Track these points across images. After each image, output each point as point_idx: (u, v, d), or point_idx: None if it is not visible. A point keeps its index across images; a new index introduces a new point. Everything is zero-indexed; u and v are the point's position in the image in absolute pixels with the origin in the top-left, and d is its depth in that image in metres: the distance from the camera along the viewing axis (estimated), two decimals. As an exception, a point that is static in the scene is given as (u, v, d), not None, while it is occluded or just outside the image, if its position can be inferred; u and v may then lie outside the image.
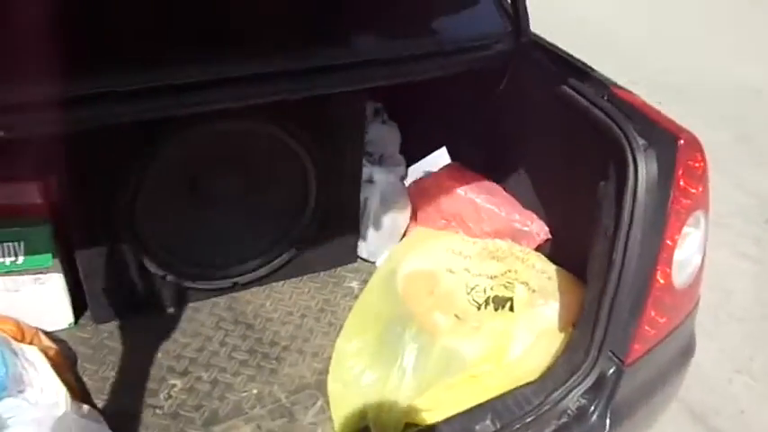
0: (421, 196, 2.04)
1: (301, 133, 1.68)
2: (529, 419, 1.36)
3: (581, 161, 1.70)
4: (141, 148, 1.54)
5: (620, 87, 1.57)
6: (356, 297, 1.91)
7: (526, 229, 1.94)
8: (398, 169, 2.05)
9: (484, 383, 1.51)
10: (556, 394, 1.40)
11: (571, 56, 1.69)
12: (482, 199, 1.96)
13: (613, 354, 1.41)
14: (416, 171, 2.13)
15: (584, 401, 1.42)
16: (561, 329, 1.66)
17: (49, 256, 1.58)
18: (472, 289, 1.77)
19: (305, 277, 1.96)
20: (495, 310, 1.69)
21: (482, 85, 1.88)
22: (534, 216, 1.95)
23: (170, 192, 1.65)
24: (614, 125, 1.45)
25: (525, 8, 1.60)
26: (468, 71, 1.70)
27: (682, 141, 1.39)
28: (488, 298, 1.72)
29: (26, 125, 1.24)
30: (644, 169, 1.36)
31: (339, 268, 2.00)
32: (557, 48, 1.72)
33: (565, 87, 1.61)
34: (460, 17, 1.76)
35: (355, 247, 2.00)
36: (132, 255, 1.67)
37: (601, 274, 1.43)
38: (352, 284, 1.96)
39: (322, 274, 1.98)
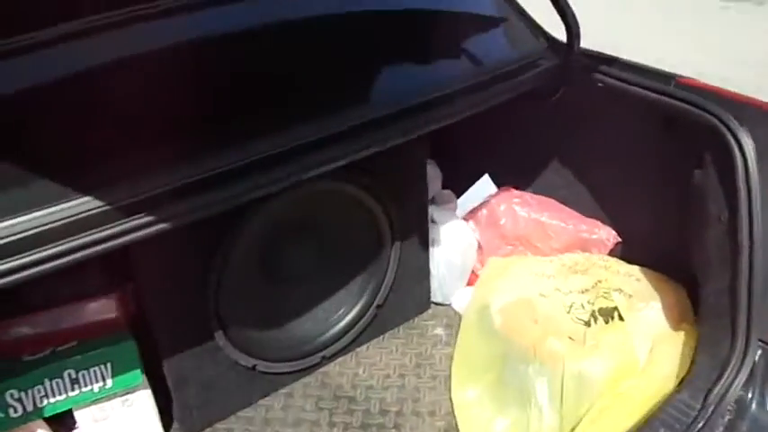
0: (480, 227, 1.98)
1: (373, 186, 1.60)
2: (701, 424, 1.29)
3: (650, 155, 1.69)
4: (222, 234, 1.42)
5: (682, 76, 1.57)
6: (447, 344, 1.82)
7: (595, 237, 1.91)
8: (452, 205, 1.99)
9: (633, 399, 1.43)
10: (715, 392, 1.33)
11: (616, 57, 1.69)
12: (547, 216, 1.93)
13: (760, 340, 1.37)
14: (465, 203, 2.07)
15: (740, 393, 1.36)
16: (675, 329, 1.61)
17: (138, 372, 1.43)
18: (570, 307, 1.70)
19: (386, 335, 1.85)
20: (606, 322, 1.63)
21: (519, 104, 1.86)
22: (599, 223, 1.92)
23: (251, 274, 1.54)
24: (699, 110, 1.44)
25: (575, 19, 1.59)
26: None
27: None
28: (593, 312, 1.65)
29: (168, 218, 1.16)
30: (750, 147, 1.34)
31: (416, 318, 1.91)
32: (599, 52, 1.71)
33: (624, 85, 1.60)
34: (498, 44, 1.75)
35: (428, 292, 1.91)
36: (221, 350, 1.53)
37: (724, 261, 1.40)
38: (436, 332, 1.86)
39: (401, 328, 1.88)
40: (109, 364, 1.38)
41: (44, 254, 1.11)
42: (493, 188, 2.09)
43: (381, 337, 1.85)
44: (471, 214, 2.01)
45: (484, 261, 1.97)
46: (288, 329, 1.66)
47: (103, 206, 1.15)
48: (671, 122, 1.58)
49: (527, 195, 1.98)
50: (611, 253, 1.92)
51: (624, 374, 1.51)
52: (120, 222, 1.16)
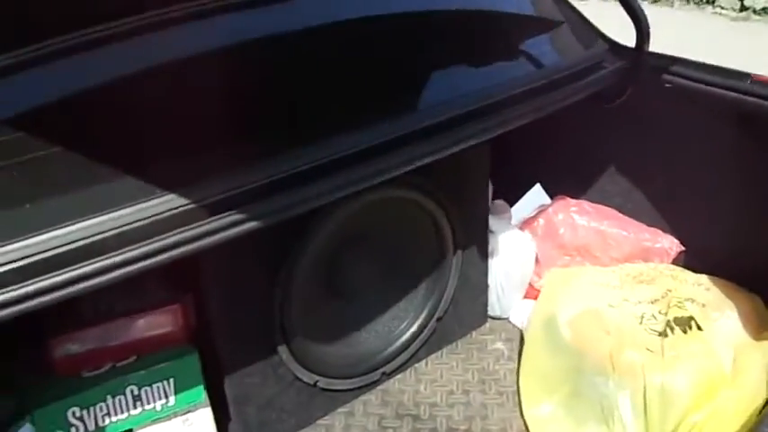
0: (537, 237, 1.91)
1: (437, 192, 1.54)
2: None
3: (720, 156, 1.62)
4: (289, 245, 1.36)
5: (756, 73, 1.52)
6: (509, 358, 1.74)
7: (658, 245, 1.84)
8: (507, 215, 1.92)
9: (727, 412, 1.36)
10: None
11: (683, 57, 1.64)
12: (607, 225, 1.86)
13: None
14: (516, 213, 2.00)
15: None
16: (755, 338, 1.54)
17: (201, 388, 1.34)
18: (642, 318, 1.62)
19: (444, 350, 1.77)
20: (684, 332, 1.55)
21: (573, 109, 1.81)
22: (660, 231, 1.86)
23: (315, 287, 1.47)
24: None
25: (645, 18, 1.54)
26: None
27: None
28: (668, 322, 1.57)
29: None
30: None
31: (474, 333, 1.83)
32: (665, 53, 1.66)
33: (696, 84, 1.55)
34: (562, 46, 1.70)
35: (486, 305, 1.84)
36: (283, 365, 1.45)
37: None
38: (496, 346, 1.78)
39: (459, 343, 1.80)
40: (172, 380, 1.30)
41: (105, 263, 1.04)
42: (545, 198, 2.02)
43: (440, 352, 1.76)
44: (526, 224, 1.94)
45: (541, 273, 1.89)
46: (350, 344, 1.59)
47: (173, 210, 1.08)
48: (747, 121, 1.53)
49: (584, 204, 1.91)
50: (674, 262, 1.85)
51: (711, 386, 1.43)
52: (189, 228, 1.09)
